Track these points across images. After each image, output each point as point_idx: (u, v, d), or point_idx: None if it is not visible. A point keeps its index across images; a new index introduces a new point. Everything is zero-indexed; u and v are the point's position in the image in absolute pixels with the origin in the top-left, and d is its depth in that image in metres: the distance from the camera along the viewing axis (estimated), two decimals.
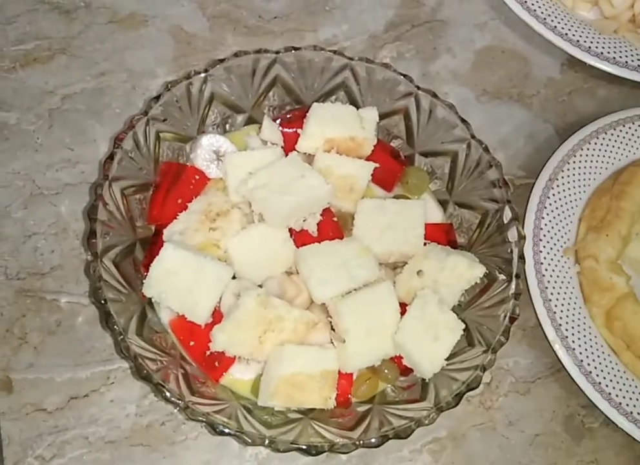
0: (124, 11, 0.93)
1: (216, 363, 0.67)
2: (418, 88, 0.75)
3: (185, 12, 0.95)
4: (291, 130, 0.78)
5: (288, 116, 0.79)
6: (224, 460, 0.73)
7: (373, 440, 0.60)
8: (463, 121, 0.74)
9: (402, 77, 0.75)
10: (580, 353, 0.78)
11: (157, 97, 0.70)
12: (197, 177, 0.74)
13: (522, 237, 0.70)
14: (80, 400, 0.75)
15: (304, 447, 0.58)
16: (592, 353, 0.78)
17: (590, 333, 0.80)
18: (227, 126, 0.79)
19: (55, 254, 0.79)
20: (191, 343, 0.68)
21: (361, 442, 0.59)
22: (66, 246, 0.80)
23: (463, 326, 0.67)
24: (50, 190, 0.82)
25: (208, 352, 0.67)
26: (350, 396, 0.69)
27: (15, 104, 0.85)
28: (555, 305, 0.79)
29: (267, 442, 0.58)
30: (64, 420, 0.74)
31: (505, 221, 0.72)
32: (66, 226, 0.80)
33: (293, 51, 0.74)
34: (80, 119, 0.85)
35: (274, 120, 0.78)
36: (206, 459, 0.73)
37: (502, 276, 0.70)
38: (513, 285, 0.68)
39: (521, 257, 0.69)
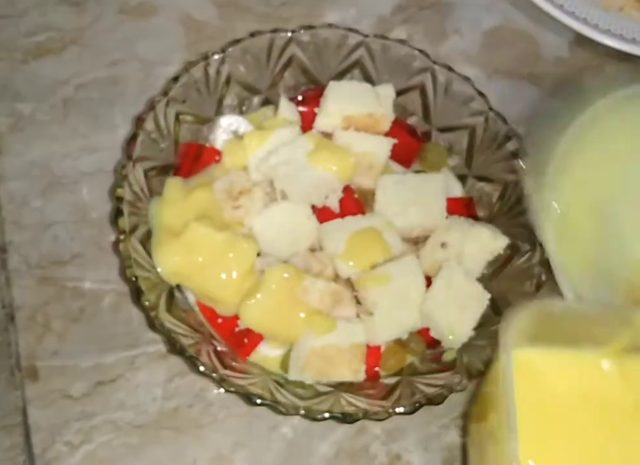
0: (133, 1, 0.93)
1: (245, 340, 0.67)
2: (434, 63, 0.75)
3: (193, 1, 0.95)
4: (307, 109, 0.78)
5: (303, 96, 0.79)
6: (253, 441, 0.73)
7: (405, 408, 0.60)
8: (480, 94, 0.74)
9: (418, 52, 0.75)
10: None
11: (176, 78, 0.70)
12: (217, 158, 0.74)
13: None
14: (107, 386, 0.74)
15: (339, 415, 0.58)
16: None
17: None
18: (244, 108, 0.79)
19: (76, 241, 0.79)
20: (219, 320, 0.68)
21: (394, 409, 0.59)
22: (85, 233, 0.80)
23: (489, 296, 0.67)
24: (67, 179, 0.82)
25: (236, 329, 0.67)
26: (378, 369, 0.69)
27: (29, 96, 0.86)
28: None
29: (302, 411, 0.58)
30: (91, 406, 0.73)
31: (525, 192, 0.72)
32: (84, 213, 0.80)
33: (308, 29, 0.74)
34: (94, 108, 0.86)
35: (290, 100, 0.79)
36: (234, 440, 0.73)
37: (525, 246, 0.70)
38: (537, 254, 0.68)
39: None
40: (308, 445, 0.72)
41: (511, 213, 0.73)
